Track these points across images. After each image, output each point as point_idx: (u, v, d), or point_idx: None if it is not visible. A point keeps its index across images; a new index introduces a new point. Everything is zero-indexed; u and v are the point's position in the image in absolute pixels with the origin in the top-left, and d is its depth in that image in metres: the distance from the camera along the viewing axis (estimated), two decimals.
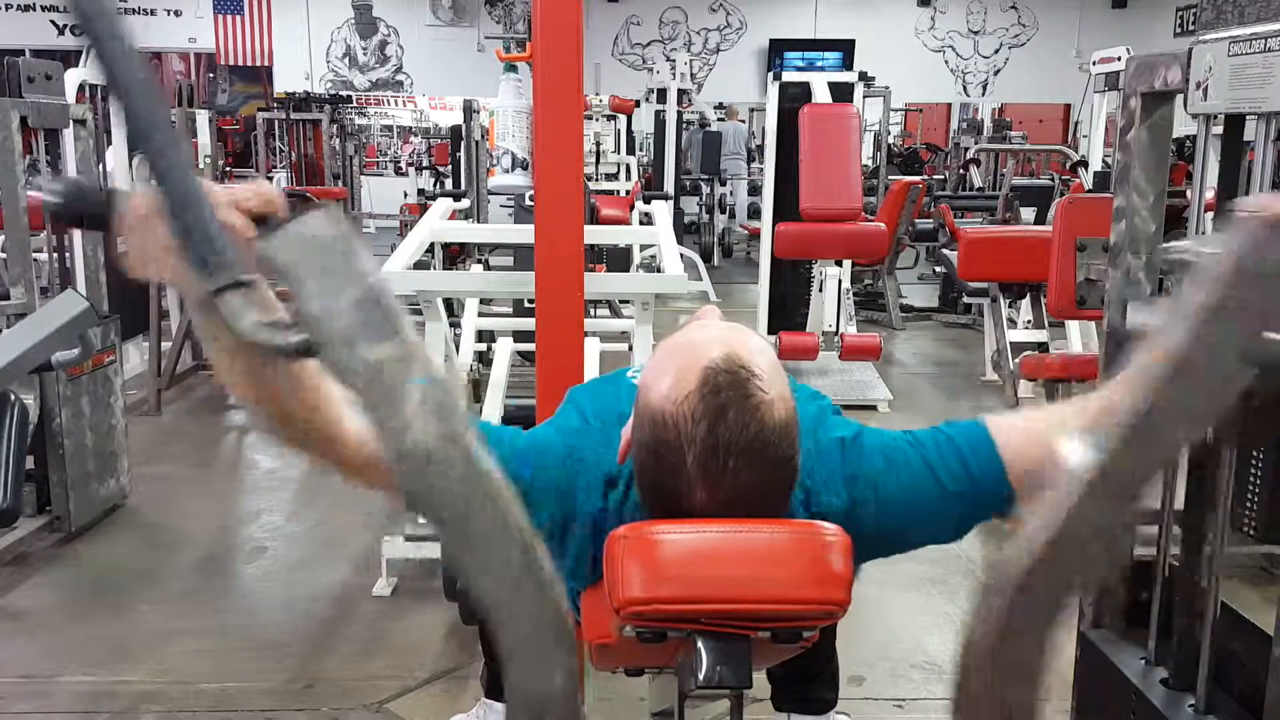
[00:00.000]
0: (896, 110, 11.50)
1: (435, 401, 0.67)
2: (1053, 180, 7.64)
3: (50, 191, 0.84)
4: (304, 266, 0.68)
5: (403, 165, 14.24)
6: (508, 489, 0.69)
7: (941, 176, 9.85)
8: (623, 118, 8.64)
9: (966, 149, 9.26)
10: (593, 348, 3.43)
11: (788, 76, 5.73)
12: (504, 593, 0.70)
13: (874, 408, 5.03)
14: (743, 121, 12.83)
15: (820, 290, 5.06)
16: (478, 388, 4.02)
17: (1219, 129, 1.53)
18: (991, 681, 0.71)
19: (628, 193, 7.86)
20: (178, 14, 13.46)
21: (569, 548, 1.25)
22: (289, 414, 0.99)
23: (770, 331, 5.50)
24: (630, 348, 3.59)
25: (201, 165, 5.75)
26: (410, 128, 14.50)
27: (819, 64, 12.89)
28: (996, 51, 14.18)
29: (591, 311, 4.65)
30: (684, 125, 10.47)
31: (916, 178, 8.36)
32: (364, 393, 0.67)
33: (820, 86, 5.28)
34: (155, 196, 0.71)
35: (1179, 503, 1.61)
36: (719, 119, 12.44)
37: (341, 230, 0.69)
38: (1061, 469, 0.68)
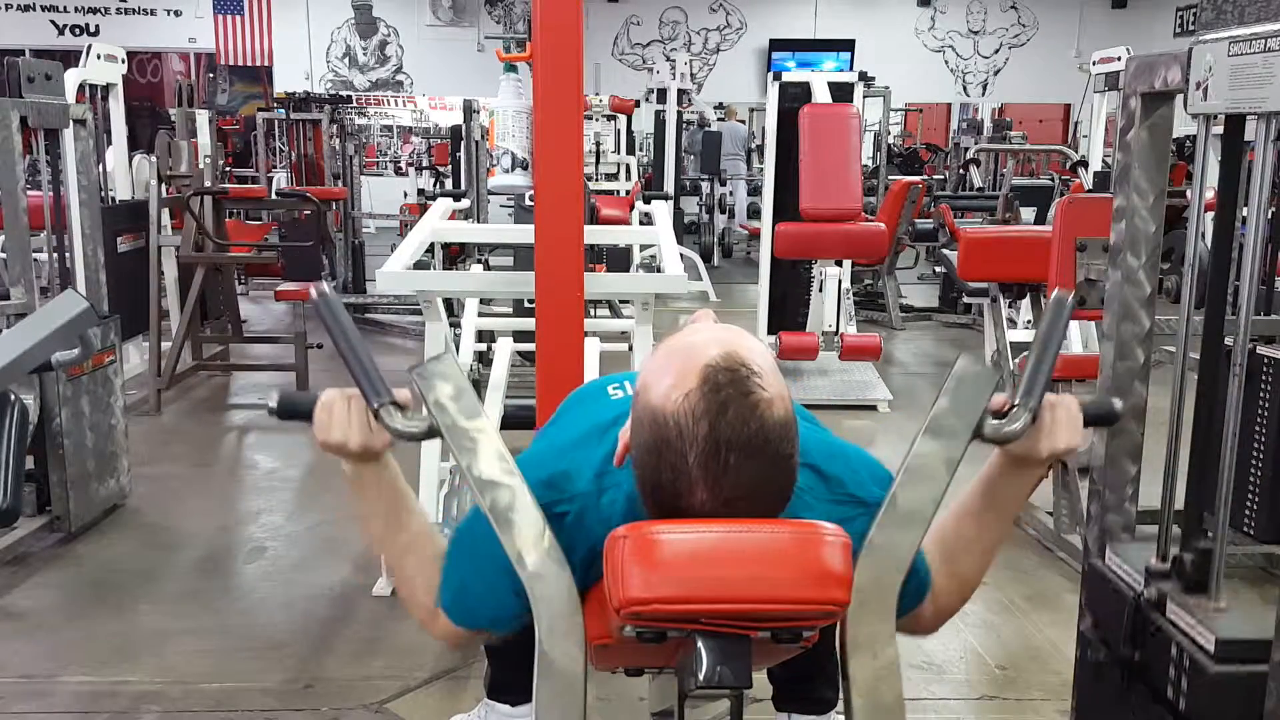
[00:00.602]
0: (896, 110, 11.51)
1: (497, 457, 1.24)
2: (1053, 180, 7.64)
3: (272, 401, 1.28)
4: (433, 379, 1.24)
5: (403, 165, 14.23)
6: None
7: (941, 176, 9.85)
8: (623, 118, 8.64)
9: (966, 149, 9.25)
10: (593, 348, 3.43)
11: (788, 76, 5.73)
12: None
13: (874, 408, 5.04)
14: (742, 121, 12.84)
15: (820, 290, 5.06)
16: (478, 388, 4.02)
17: (1219, 129, 1.53)
18: None
19: (628, 193, 7.86)
20: (178, 14, 13.47)
21: (578, 550, 1.27)
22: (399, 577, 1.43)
23: (770, 331, 5.50)
24: (630, 348, 3.59)
25: (202, 165, 5.75)
26: (410, 128, 14.49)
27: (815, 66, 12.87)
28: (996, 51, 14.18)
29: (591, 311, 4.65)
30: (684, 125, 10.47)
31: (916, 178, 8.36)
32: (460, 451, 1.23)
33: (820, 86, 5.28)
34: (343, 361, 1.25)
35: (1179, 503, 1.61)
36: (719, 119, 12.45)
37: (454, 359, 1.26)
38: None
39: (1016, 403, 1.26)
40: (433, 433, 1.24)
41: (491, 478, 1.22)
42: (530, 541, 1.21)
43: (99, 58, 5.17)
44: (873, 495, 1.27)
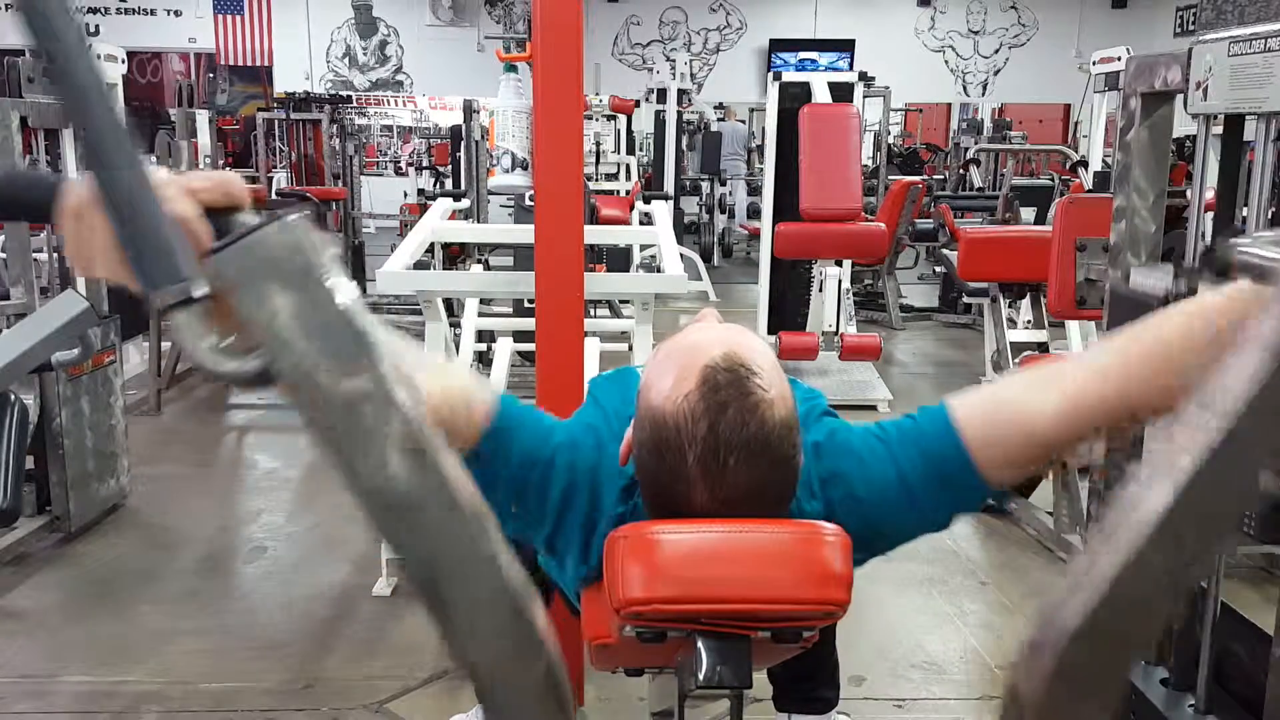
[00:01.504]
0: (896, 110, 11.50)
1: (409, 443, 0.58)
2: (1053, 180, 7.64)
3: None
4: (261, 283, 0.58)
5: (403, 165, 14.24)
6: (499, 538, 0.61)
7: (941, 176, 9.85)
8: (623, 118, 8.64)
9: (966, 149, 9.26)
10: (593, 348, 3.43)
11: (788, 76, 5.74)
12: (489, 659, 0.62)
13: (874, 408, 5.03)
14: (742, 121, 12.84)
15: (820, 290, 5.06)
16: None
17: (1219, 129, 1.53)
18: None
19: (628, 193, 7.86)
20: (178, 14, 13.47)
21: (592, 553, 1.26)
22: None
23: (770, 331, 5.51)
24: (630, 348, 3.59)
25: (202, 165, 5.75)
26: (410, 128, 14.49)
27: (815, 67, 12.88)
28: (996, 51, 14.18)
29: (591, 311, 4.65)
30: (684, 125, 10.47)
31: (916, 178, 8.36)
32: (327, 430, 0.58)
33: (820, 86, 5.29)
34: (94, 188, 0.61)
35: None
36: (719, 119, 12.45)
37: (307, 241, 0.60)
38: (1125, 507, 0.59)
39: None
40: (264, 378, 0.62)
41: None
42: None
43: (99, 58, 5.15)
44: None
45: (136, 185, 0.60)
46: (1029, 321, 4.43)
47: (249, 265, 0.59)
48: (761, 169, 7.33)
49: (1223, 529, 0.58)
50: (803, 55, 13.43)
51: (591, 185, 7.12)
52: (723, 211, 11.00)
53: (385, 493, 0.59)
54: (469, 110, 6.22)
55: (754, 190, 11.20)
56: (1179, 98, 1.53)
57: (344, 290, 0.59)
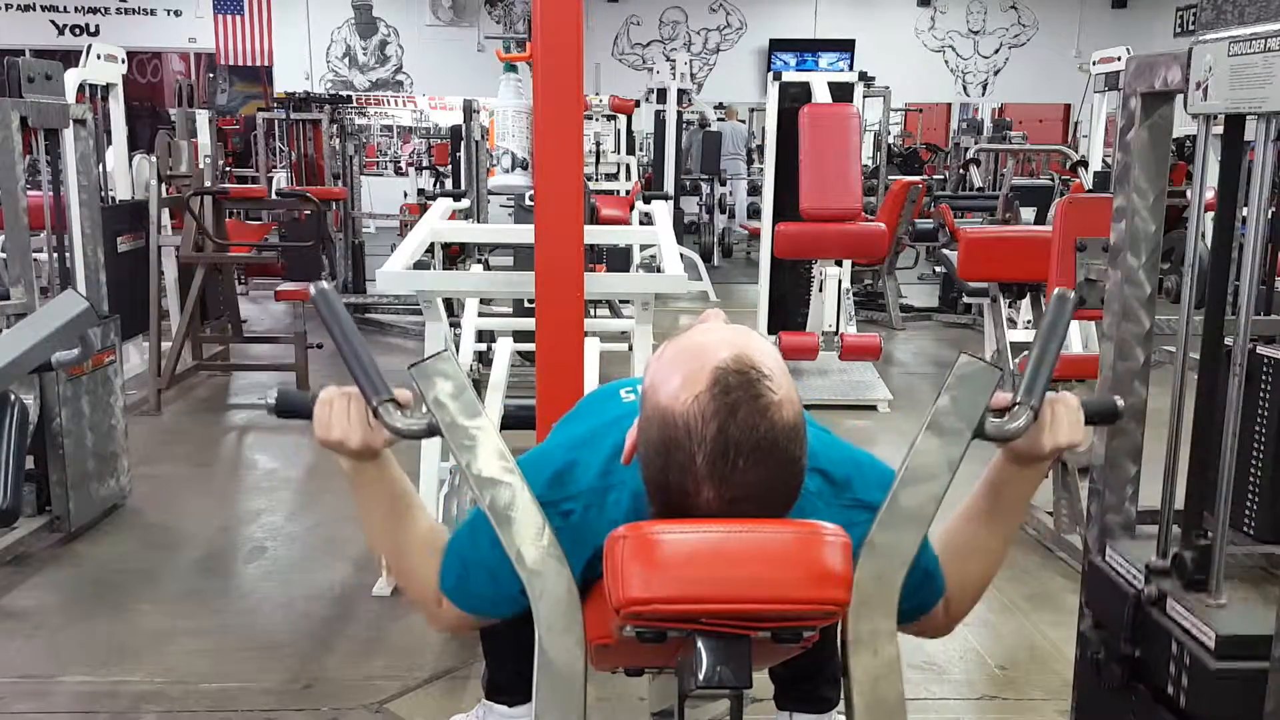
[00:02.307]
0: (896, 110, 11.51)
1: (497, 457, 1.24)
2: (1053, 180, 7.63)
3: (271, 398, 1.29)
4: (433, 378, 1.24)
5: (403, 165, 14.24)
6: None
7: (941, 176, 9.84)
8: (623, 118, 8.64)
9: (966, 149, 9.26)
10: (593, 348, 3.42)
11: (788, 76, 5.73)
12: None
13: (874, 408, 5.04)
14: (742, 121, 12.84)
15: (820, 290, 5.05)
16: (478, 387, 4.02)
17: (1219, 129, 1.53)
18: None
19: (628, 193, 7.86)
20: (178, 14, 13.47)
21: (586, 542, 1.28)
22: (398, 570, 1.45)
23: (770, 331, 5.50)
24: (630, 348, 3.59)
25: (202, 165, 5.75)
26: (410, 128, 14.49)
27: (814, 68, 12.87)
28: (996, 51, 14.18)
29: (591, 311, 4.64)
30: (684, 125, 10.47)
31: (916, 178, 8.36)
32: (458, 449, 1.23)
33: (820, 86, 5.28)
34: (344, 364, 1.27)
35: (1179, 502, 1.61)
36: (719, 119, 12.45)
37: (450, 362, 1.25)
38: None
39: (1018, 400, 1.26)
40: (432, 431, 1.24)
41: (491, 475, 1.22)
42: (529, 539, 1.21)
43: (99, 58, 5.17)
44: (878, 499, 1.27)
45: (358, 346, 1.28)
46: (1029, 321, 4.42)
47: (427, 370, 1.25)
48: (761, 169, 7.33)
49: None
50: (803, 56, 13.43)
51: (591, 185, 7.12)
52: (723, 211, 11.00)
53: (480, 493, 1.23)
54: (469, 110, 6.22)
55: (754, 190, 11.20)
56: (1179, 98, 1.53)
57: (465, 378, 1.26)
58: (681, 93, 9.81)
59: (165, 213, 5.20)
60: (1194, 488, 1.58)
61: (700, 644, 1.10)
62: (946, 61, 14.19)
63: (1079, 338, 4.28)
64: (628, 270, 6.42)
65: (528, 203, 3.52)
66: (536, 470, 1.29)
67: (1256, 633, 1.35)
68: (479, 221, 5.47)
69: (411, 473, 1.70)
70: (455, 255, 4.99)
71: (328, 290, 1.31)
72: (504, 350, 3.66)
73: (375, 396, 1.24)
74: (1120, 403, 1.39)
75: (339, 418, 1.25)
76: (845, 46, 13.57)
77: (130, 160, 5.62)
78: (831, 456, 1.35)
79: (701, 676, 1.09)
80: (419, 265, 3.31)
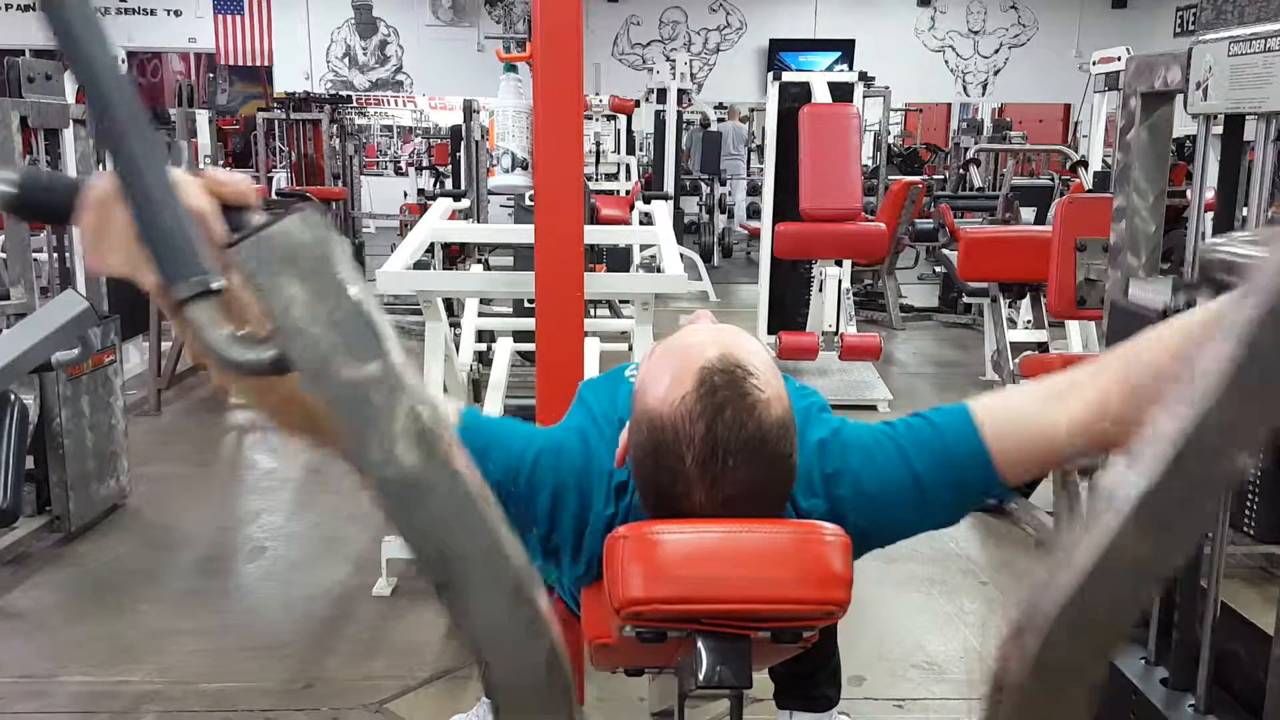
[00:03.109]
0: (896, 110, 11.51)
1: (419, 428, 0.60)
2: (1053, 180, 7.64)
3: (4, 181, 0.72)
4: (278, 274, 0.60)
5: (403, 165, 14.24)
6: (501, 522, 0.62)
7: (941, 176, 9.85)
8: (623, 118, 8.64)
9: (966, 149, 9.26)
10: (593, 348, 3.43)
11: (788, 76, 5.73)
12: (493, 640, 0.64)
13: (874, 408, 5.03)
14: (743, 121, 12.83)
15: (820, 290, 5.06)
16: (478, 388, 4.03)
17: (1219, 129, 1.53)
18: None
19: (628, 193, 7.86)
20: (178, 14, 13.47)
21: (584, 551, 1.26)
22: (291, 416, 0.86)
23: (770, 331, 5.50)
24: (630, 348, 3.59)
25: (202, 165, 5.75)
26: (410, 128, 14.49)
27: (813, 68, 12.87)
28: (996, 51, 14.18)
29: (591, 311, 4.65)
30: (684, 125, 10.47)
31: (916, 178, 8.36)
32: (340, 416, 0.60)
33: (820, 86, 5.28)
34: (117, 182, 0.63)
35: None
36: (719, 119, 12.45)
37: (323, 234, 0.61)
38: (1105, 495, 0.61)
39: None
40: (279, 366, 0.63)
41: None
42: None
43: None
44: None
45: (158, 180, 0.62)
46: (1029, 321, 4.43)
47: (266, 257, 0.60)
48: (761, 169, 7.34)
49: (1201, 513, 0.59)
50: (804, 57, 13.43)
51: (591, 185, 7.12)
52: (723, 211, 11.00)
53: (394, 477, 0.60)
54: (469, 110, 6.22)
55: (754, 190, 11.20)
56: (1179, 98, 1.53)
57: (356, 281, 0.61)
58: (681, 93, 9.81)
59: None
60: None
61: (700, 644, 1.10)
62: (946, 61, 14.19)
63: (1079, 338, 4.29)
64: (628, 270, 6.42)
65: (528, 203, 3.52)
66: (558, 456, 1.26)
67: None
68: (479, 221, 5.47)
69: None
70: (455, 255, 5.00)
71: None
72: (504, 350, 3.67)
73: (176, 287, 0.62)
74: None
75: (113, 251, 0.69)
76: (845, 46, 13.57)
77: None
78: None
79: (701, 676, 1.09)
80: (419, 265, 3.31)
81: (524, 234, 3.25)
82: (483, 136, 5.89)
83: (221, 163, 8.39)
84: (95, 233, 0.69)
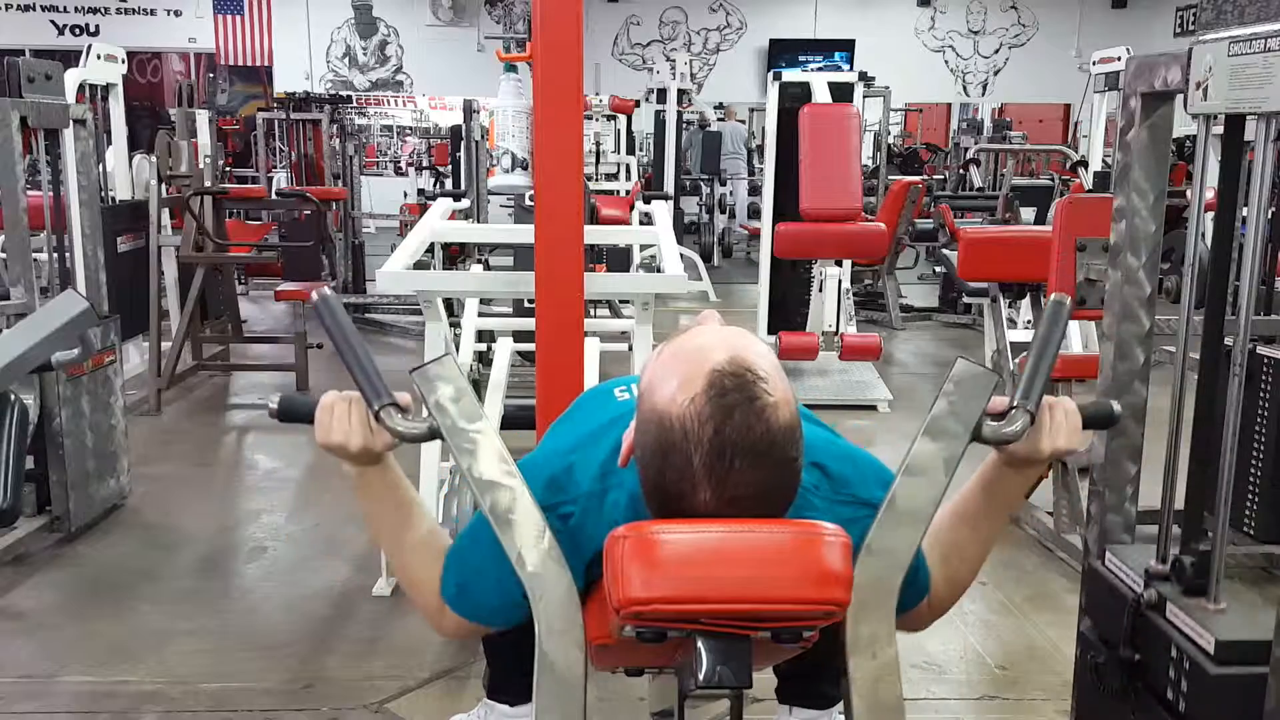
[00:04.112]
0: (896, 110, 11.50)
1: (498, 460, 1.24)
2: (1053, 180, 7.63)
3: (273, 403, 1.29)
4: (435, 381, 1.25)
5: (403, 165, 14.24)
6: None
7: (941, 176, 9.85)
8: (623, 118, 8.64)
9: (966, 149, 9.26)
10: (593, 348, 3.42)
11: (788, 76, 5.73)
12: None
13: (874, 408, 5.04)
14: (742, 121, 12.83)
15: (820, 290, 5.06)
16: (478, 388, 4.02)
17: (1219, 129, 1.53)
18: None
19: (628, 193, 7.86)
20: (178, 14, 13.46)
21: (583, 546, 1.28)
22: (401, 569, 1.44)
23: (770, 331, 5.50)
24: (630, 348, 3.59)
25: (202, 165, 5.75)
26: (410, 128, 14.49)
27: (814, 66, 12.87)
28: (996, 51, 14.18)
29: (591, 311, 4.64)
30: (684, 125, 10.47)
31: (916, 178, 8.36)
32: (459, 451, 1.23)
33: (820, 86, 5.28)
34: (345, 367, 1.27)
35: (1179, 503, 1.61)
36: (719, 119, 12.45)
37: (452, 366, 1.26)
38: None
39: (1015, 404, 1.26)
40: (433, 434, 1.24)
41: (492, 479, 1.23)
42: (530, 541, 1.21)
43: (99, 58, 5.17)
44: (876, 497, 1.27)
45: (363, 353, 1.28)
46: (1029, 321, 4.43)
47: (428, 373, 1.25)
48: (761, 169, 7.33)
49: None
50: (804, 57, 13.42)
51: (591, 185, 7.12)
52: (723, 211, 11.00)
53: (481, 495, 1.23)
54: (469, 110, 6.22)
55: (754, 190, 11.20)
56: (1179, 98, 1.53)
57: (465, 381, 1.26)
58: (681, 93, 9.81)
59: (165, 213, 5.19)
60: (1194, 488, 1.58)
61: (700, 644, 1.10)
62: (946, 61, 14.18)
63: (1079, 337, 4.28)
64: (628, 270, 6.42)
65: (528, 203, 3.52)
66: (533, 476, 1.29)
67: (1256, 638, 1.35)
68: (479, 221, 5.47)
69: (411, 475, 1.70)
70: (455, 255, 4.99)
71: (329, 297, 1.32)
72: (504, 350, 3.66)
73: (376, 400, 1.24)
74: (1118, 408, 1.39)
75: (340, 422, 1.26)
76: (845, 46, 13.56)
77: (130, 160, 5.62)
78: (830, 452, 1.36)
79: (701, 676, 1.09)
80: (419, 265, 3.31)
81: (524, 234, 3.25)
82: (483, 136, 5.89)
83: (222, 163, 8.40)
84: (328, 419, 1.26)
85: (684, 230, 10.18)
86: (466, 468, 1.23)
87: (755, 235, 8.36)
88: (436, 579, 1.36)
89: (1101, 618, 1.69)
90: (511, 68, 3.03)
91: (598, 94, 9.04)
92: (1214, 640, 1.39)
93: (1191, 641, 1.43)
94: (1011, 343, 3.64)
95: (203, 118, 6.01)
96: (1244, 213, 1.47)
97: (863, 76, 5.87)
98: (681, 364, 1.13)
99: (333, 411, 1.26)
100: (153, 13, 13.46)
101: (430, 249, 4.03)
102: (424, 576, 1.37)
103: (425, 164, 11.32)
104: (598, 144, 8.08)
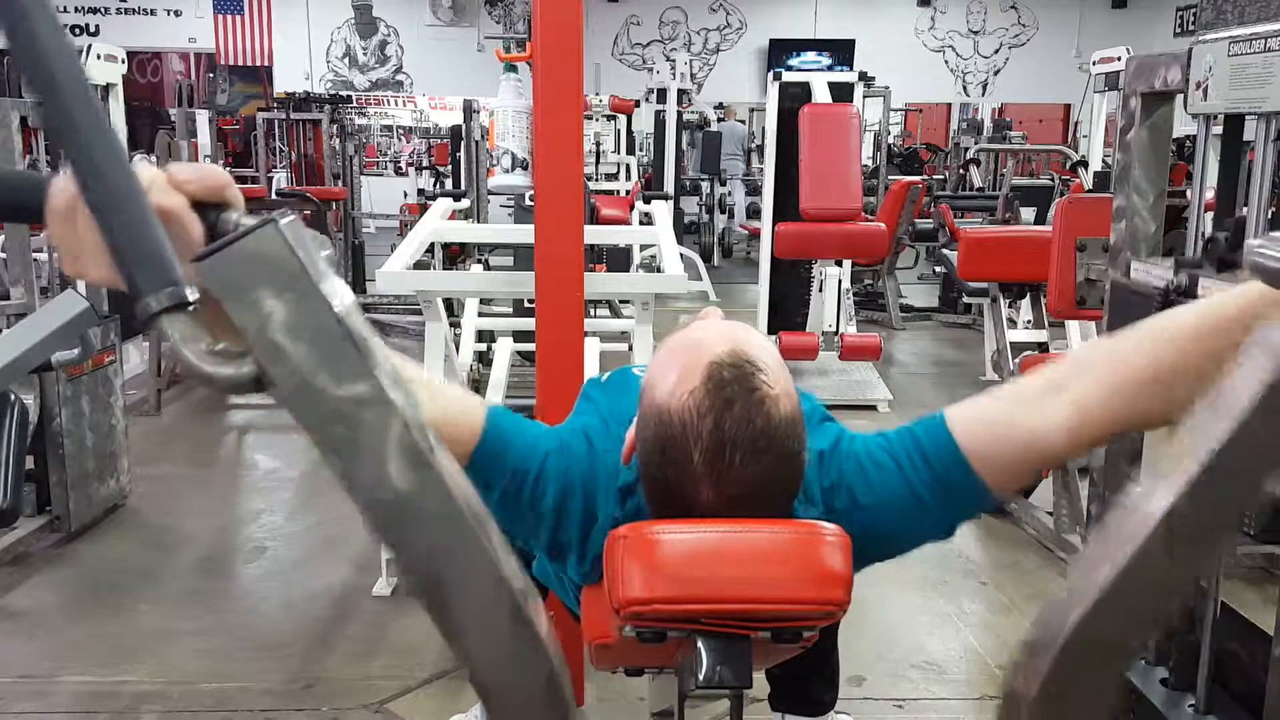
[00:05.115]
0: (896, 110, 11.50)
1: (411, 448, 0.57)
2: (1053, 180, 7.64)
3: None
4: (252, 289, 0.55)
5: (403, 165, 14.24)
6: (499, 540, 0.59)
7: (941, 176, 9.84)
8: (623, 118, 8.64)
9: (966, 149, 9.26)
10: (593, 348, 3.43)
11: (788, 76, 5.73)
12: (489, 662, 0.61)
13: (874, 408, 5.03)
14: (742, 121, 12.83)
15: (820, 290, 5.06)
16: (478, 388, 4.03)
17: (1219, 129, 1.53)
18: None
19: (628, 193, 7.87)
20: (178, 14, 13.47)
21: (589, 550, 1.25)
22: None
23: (770, 331, 5.50)
24: (630, 348, 3.59)
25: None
26: (410, 128, 14.49)
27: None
28: (996, 51, 14.18)
29: (591, 311, 4.65)
30: (684, 125, 10.47)
31: (916, 178, 8.36)
32: (324, 436, 0.56)
33: (820, 86, 5.29)
34: (77, 186, 0.58)
35: None
36: (719, 119, 12.45)
37: (304, 244, 0.57)
38: (1128, 511, 0.59)
39: None
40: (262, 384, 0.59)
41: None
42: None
43: (99, 58, 5.15)
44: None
45: (122, 184, 0.58)
46: (1029, 321, 4.43)
47: (239, 270, 0.56)
48: (761, 169, 7.33)
49: (1222, 535, 0.58)
50: (806, 57, 13.42)
51: (591, 185, 7.12)
52: (723, 211, 11.00)
53: (385, 498, 0.57)
54: (469, 110, 6.22)
55: (754, 190, 11.20)
56: (1179, 98, 1.53)
57: (339, 295, 0.56)
58: (681, 93, 9.81)
59: None
60: None
61: (700, 644, 1.10)
62: (946, 61, 14.19)
63: (1079, 338, 4.29)
64: (628, 270, 6.42)
65: (528, 203, 3.52)
66: (566, 455, 1.25)
67: None
68: (479, 221, 5.47)
69: None
70: (455, 255, 5.00)
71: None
72: (504, 350, 3.67)
73: (147, 299, 0.57)
74: None
75: (82, 256, 0.64)
76: (845, 46, 13.57)
77: (130, 160, 5.61)
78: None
79: (701, 676, 1.09)
80: (419, 265, 3.31)
81: (524, 234, 3.25)
82: (483, 136, 5.89)
83: (222, 163, 8.40)
84: (64, 241, 0.64)
85: (684, 230, 10.18)
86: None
87: (755, 235, 8.36)
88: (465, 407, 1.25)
89: None
90: (511, 68, 3.03)
91: (598, 94, 9.04)
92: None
93: None
94: (1011, 343, 3.64)
95: (203, 118, 6.02)
96: (1243, 212, 1.47)
97: (863, 76, 5.87)
98: (680, 358, 1.12)
99: (71, 237, 0.64)
100: (153, 13, 13.47)
101: (430, 249, 4.03)
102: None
103: (425, 164, 11.32)
104: (598, 144, 8.08)
